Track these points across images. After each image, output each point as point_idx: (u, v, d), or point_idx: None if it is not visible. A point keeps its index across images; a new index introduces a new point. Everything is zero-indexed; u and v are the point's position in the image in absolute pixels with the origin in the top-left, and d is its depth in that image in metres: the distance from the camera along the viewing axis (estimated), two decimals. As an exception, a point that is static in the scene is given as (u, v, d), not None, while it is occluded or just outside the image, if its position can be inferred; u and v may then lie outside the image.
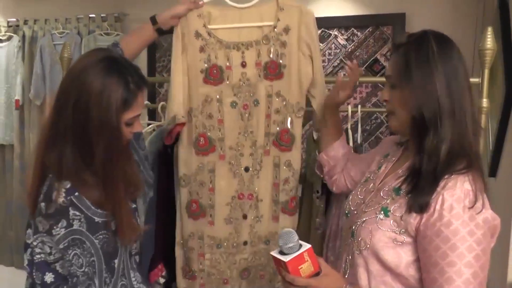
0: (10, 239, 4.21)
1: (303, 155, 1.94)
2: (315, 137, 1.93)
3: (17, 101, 4.05)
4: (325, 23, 3.29)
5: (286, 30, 1.69)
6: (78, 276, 1.30)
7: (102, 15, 3.80)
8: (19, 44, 4.04)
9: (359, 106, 1.94)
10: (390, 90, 1.30)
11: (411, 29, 2.72)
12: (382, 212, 1.24)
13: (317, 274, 1.23)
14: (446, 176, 1.16)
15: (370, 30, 3.23)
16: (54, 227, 1.27)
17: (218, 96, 1.71)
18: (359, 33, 3.26)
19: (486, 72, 1.64)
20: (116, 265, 1.38)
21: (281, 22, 1.69)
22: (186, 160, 1.75)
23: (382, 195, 1.29)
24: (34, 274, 1.34)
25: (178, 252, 1.82)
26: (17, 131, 4.12)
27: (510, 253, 1.89)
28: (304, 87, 1.71)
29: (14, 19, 4.10)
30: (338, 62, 3.31)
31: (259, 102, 1.71)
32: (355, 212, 1.36)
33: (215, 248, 1.77)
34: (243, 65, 1.70)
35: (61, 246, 1.28)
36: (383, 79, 1.54)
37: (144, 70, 3.73)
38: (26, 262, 1.37)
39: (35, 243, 1.33)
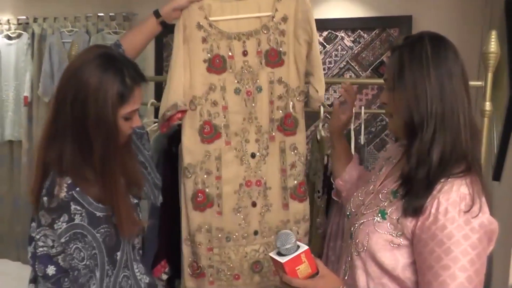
0: (17, 234, 4.29)
1: (308, 155, 1.95)
2: (318, 137, 1.94)
3: (25, 98, 4.10)
4: (332, 25, 3.31)
5: (284, 19, 1.73)
6: (79, 269, 1.32)
7: (110, 14, 3.85)
8: (29, 41, 4.10)
9: (363, 108, 1.94)
10: (387, 92, 1.29)
11: (417, 31, 2.75)
12: (379, 215, 1.24)
13: (314, 275, 1.23)
14: (442, 180, 1.14)
15: (377, 32, 3.24)
16: (56, 221, 1.30)
17: (222, 84, 1.74)
18: (365, 35, 3.27)
19: (489, 75, 1.64)
20: (118, 258, 1.40)
21: (279, 12, 1.73)
22: (191, 149, 1.76)
23: (380, 197, 1.29)
24: (36, 266, 1.37)
25: (186, 249, 1.80)
26: (25, 127, 4.17)
27: (512, 256, 1.89)
28: (301, 70, 1.75)
29: (24, 17, 4.16)
30: (345, 63, 3.32)
31: (262, 89, 1.75)
32: (355, 213, 1.36)
33: (224, 241, 1.77)
34: (245, 54, 1.74)
35: (62, 240, 1.30)
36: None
37: (151, 69, 3.76)
38: (29, 255, 1.40)
39: (38, 236, 1.35)
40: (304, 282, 1.21)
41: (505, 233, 1.57)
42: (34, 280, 1.45)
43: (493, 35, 1.61)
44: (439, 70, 1.18)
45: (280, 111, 1.76)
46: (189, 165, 1.76)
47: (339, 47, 3.33)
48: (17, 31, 4.16)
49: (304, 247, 1.24)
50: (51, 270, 1.36)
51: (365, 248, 1.24)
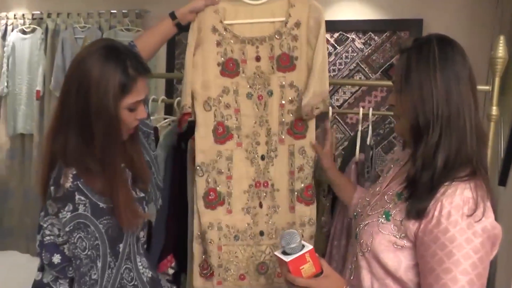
0: (26, 226, 4.30)
1: (315, 156, 1.96)
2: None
3: (38, 92, 4.13)
4: (343, 26, 3.31)
5: (297, 24, 1.75)
6: (81, 258, 1.33)
7: (123, 11, 3.88)
8: (42, 36, 4.13)
9: (371, 109, 1.95)
10: (395, 94, 1.29)
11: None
12: (384, 216, 1.25)
13: (318, 275, 1.24)
14: (446, 183, 1.15)
15: (387, 34, 3.24)
16: (61, 210, 1.32)
17: (234, 88, 1.77)
18: (376, 38, 3.27)
19: (497, 80, 1.63)
20: (121, 250, 1.41)
21: (292, 17, 1.75)
22: (204, 149, 1.78)
23: (386, 199, 1.29)
24: (43, 254, 1.40)
25: (196, 248, 1.81)
26: (37, 121, 4.20)
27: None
28: None
29: (38, 12, 4.20)
30: (355, 65, 3.33)
31: (273, 93, 1.77)
32: (361, 214, 1.37)
33: (233, 239, 1.79)
34: (258, 59, 1.76)
35: (67, 229, 1.32)
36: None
37: (163, 66, 3.79)
38: (37, 243, 1.43)
39: (45, 225, 1.38)
40: (308, 281, 1.22)
41: (510, 238, 1.58)
42: (42, 268, 1.47)
43: (501, 40, 1.62)
44: (446, 72, 1.18)
45: (291, 115, 1.78)
46: (202, 164, 1.78)
47: (350, 48, 3.33)
48: (31, 26, 4.19)
49: (308, 247, 1.25)
50: (56, 258, 1.39)
51: (369, 248, 1.25)
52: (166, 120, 2.22)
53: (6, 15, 4.32)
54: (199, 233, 1.80)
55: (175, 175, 1.92)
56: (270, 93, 1.77)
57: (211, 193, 1.78)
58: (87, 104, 1.33)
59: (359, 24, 3.30)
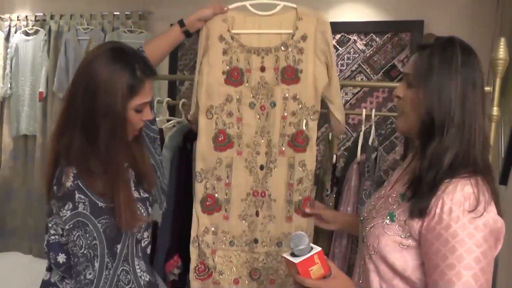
0: (29, 227, 4.30)
1: (318, 156, 1.97)
2: (330, 137, 1.97)
3: (41, 93, 4.14)
4: (344, 28, 3.34)
5: (304, 37, 1.75)
6: (78, 257, 1.33)
7: (126, 12, 3.89)
8: (45, 38, 4.15)
9: (373, 110, 1.97)
10: (405, 88, 1.30)
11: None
12: (388, 217, 1.26)
13: (327, 276, 1.25)
14: (446, 180, 1.16)
15: (389, 36, 3.27)
16: (62, 209, 1.33)
17: (238, 97, 1.78)
18: (378, 39, 3.30)
19: (498, 81, 1.65)
20: (118, 250, 1.39)
21: (299, 30, 1.75)
22: (204, 155, 1.80)
23: (390, 201, 1.31)
24: (50, 254, 1.41)
25: (192, 250, 1.83)
26: (40, 122, 4.22)
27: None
28: (319, 91, 1.76)
29: (41, 14, 4.22)
30: (357, 66, 3.35)
31: (276, 104, 1.77)
32: (367, 217, 1.38)
33: (228, 245, 1.81)
34: (262, 69, 1.77)
35: (67, 227, 1.33)
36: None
37: (165, 68, 3.80)
38: (45, 243, 1.44)
39: (50, 225, 1.40)
40: (317, 282, 1.23)
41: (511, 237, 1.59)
42: (50, 268, 1.49)
43: (502, 41, 1.64)
44: (466, 77, 1.19)
45: (293, 127, 1.78)
46: (201, 170, 1.80)
47: (352, 50, 3.36)
48: (34, 27, 4.21)
49: (317, 249, 1.26)
50: (61, 258, 1.40)
51: (375, 250, 1.26)
52: (170, 122, 2.24)
53: (9, 17, 4.35)
54: (196, 238, 1.82)
55: (180, 176, 1.94)
56: (273, 104, 1.77)
57: (208, 198, 1.80)
58: (94, 104, 1.34)
59: (360, 25, 3.33)
